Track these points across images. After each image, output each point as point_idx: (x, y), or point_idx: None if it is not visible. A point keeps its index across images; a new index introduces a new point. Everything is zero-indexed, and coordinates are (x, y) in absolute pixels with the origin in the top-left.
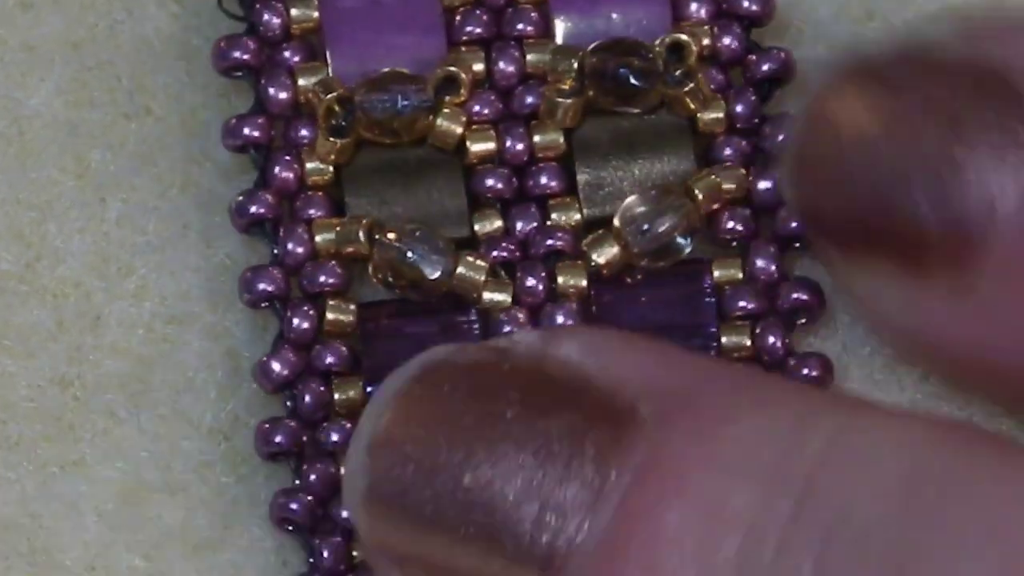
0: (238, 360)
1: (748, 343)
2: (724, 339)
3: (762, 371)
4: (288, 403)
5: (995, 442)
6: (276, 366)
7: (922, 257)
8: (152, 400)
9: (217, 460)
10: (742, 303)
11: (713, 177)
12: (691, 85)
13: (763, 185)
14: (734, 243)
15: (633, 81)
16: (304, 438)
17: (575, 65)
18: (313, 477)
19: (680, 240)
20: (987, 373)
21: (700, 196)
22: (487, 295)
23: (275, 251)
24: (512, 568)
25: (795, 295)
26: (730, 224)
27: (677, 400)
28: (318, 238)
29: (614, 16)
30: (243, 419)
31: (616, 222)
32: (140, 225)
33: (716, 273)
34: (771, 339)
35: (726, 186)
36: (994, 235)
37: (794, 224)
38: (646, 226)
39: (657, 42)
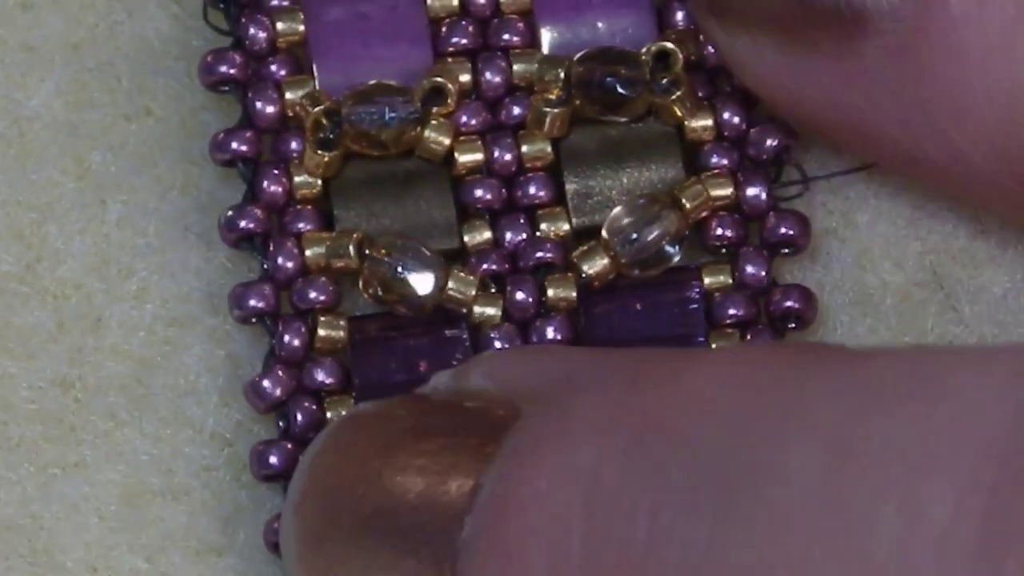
0: (239, 364)
1: None
2: (714, 347)
3: (633, 349)
4: (280, 423)
5: (828, 354)
6: (268, 385)
7: (812, 32)
8: (153, 403)
9: (220, 465)
10: (732, 310)
11: (700, 185)
12: (678, 93)
13: (751, 192)
14: (723, 250)
15: (620, 90)
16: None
17: (562, 75)
18: None
19: (668, 248)
20: (862, 137)
21: (687, 204)
22: (477, 310)
23: (265, 266)
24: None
25: (786, 302)
26: (719, 231)
27: (547, 392)
28: (308, 252)
29: (600, 25)
30: (245, 424)
31: (604, 233)
32: (140, 227)
33: (706, 280)
34: None
35: (714, 193)
36: (886, 19)
37: (783, 230)
38: (634, 235)
39: (643, 50)
